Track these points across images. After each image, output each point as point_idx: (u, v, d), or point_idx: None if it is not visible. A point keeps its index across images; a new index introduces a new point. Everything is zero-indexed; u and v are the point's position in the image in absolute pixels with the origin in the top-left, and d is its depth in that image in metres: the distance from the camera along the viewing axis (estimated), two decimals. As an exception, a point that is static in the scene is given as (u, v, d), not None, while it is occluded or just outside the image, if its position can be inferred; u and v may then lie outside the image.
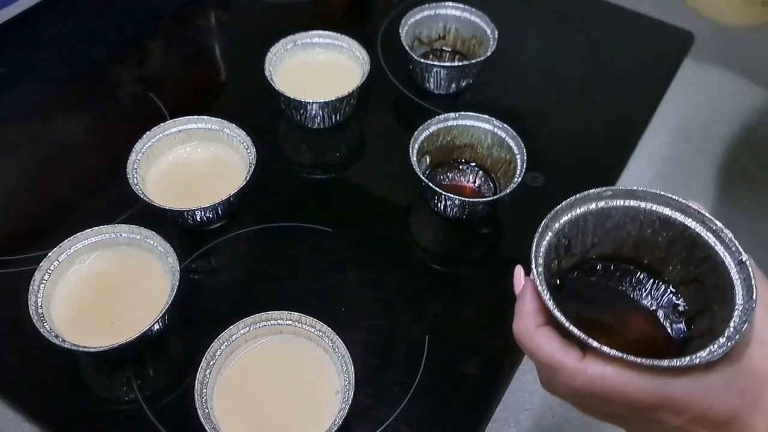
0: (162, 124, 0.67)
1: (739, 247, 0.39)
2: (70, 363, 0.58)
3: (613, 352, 0.35)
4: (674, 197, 0.41)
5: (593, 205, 0.43)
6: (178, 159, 0.68)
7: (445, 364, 0.59)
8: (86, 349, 0.52)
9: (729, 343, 0.35)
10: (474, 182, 0.70)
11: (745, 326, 0.35)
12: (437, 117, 0.68)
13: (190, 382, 0.52)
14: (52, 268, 0.57)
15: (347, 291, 0.63)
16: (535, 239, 0.41)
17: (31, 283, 0.55)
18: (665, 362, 0.34)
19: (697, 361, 0.35)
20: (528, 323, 0.39)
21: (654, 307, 0.43)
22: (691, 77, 0.83)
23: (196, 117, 0.68)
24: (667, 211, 0.42)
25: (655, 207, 0.42)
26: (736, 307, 0.37)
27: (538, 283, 0.38)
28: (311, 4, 0.93)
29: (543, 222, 0.41)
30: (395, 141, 0.71)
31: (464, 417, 0.56)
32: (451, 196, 0.63)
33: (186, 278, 0.58)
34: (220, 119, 0.68)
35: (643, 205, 0.42)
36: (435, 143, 0.69)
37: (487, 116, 0.68)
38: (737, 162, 0.77)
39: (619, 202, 0.43)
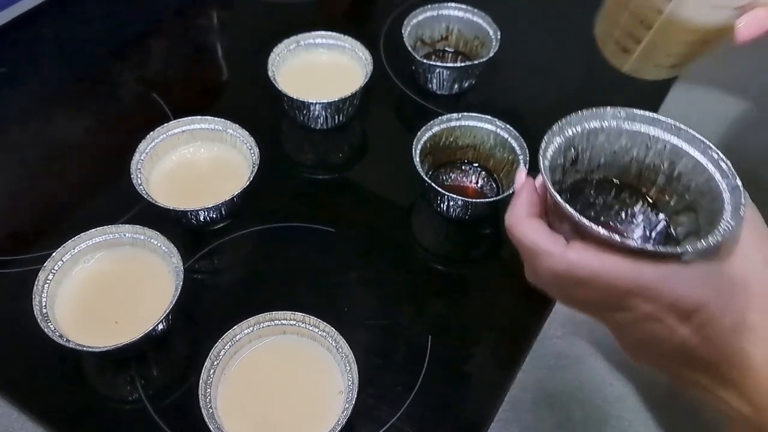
0: (166, 124, 0.67)
1: (735, 174, 0.41)
2: (74, 362, 0.58)
3: (603, 230, 0.36)
4: (684, 127, 0.43)
5: (606, 123, 0.44)
6: (182, 159, 0.68)
7: (448, 363, 0.59)
8: (90, 349, 0.52)
9: (709, 244, 0.36)
10: (476, 183, 0.70)
11: (730, 230, 0.37)
12: (440, 117, 0.68)
13: (194, 381, 0.52)
14: (56, 268, 0.57)
15: (350, 291, 0.64)
16: (546, 134, 0.42)
17: (36, 283, 0.55)
18: (649, 246, 0.36)
19: (679, 250, 0.36)
20: (520, 212, 0.40)
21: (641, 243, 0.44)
22: (691, 78, 0.84)
23: (199, 117, 0.68)
24: (674, 139, 0.43)
25: (664, 134, 0.44)
26: (723, 220, 0.39)
27: (542, 170, 0.40)
28: (314, 4, 0.93)
29: (556, 124, 0.43)
30: (398, 141, 0.71)
31: (467, 416, 0.56)
32: (454, 196, 0.63)
33: (189, 278, 0.58)
34: (223, 120, 0.68)
35: (653, 131, 0.44)
36: (438, 144, 0.69)
37: (489, 117, 0.68)
38: (735, 162, 0.77)
39: (631, 125, 0.44)
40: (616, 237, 0.36)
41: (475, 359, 0.60)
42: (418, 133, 0.67)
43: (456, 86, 0.79)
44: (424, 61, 0.76)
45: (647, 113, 0.44)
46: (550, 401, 0.58)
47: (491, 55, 0.76)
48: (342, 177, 0.74)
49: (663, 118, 0.43)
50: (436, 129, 0.68)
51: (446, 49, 0.83)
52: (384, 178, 0.73)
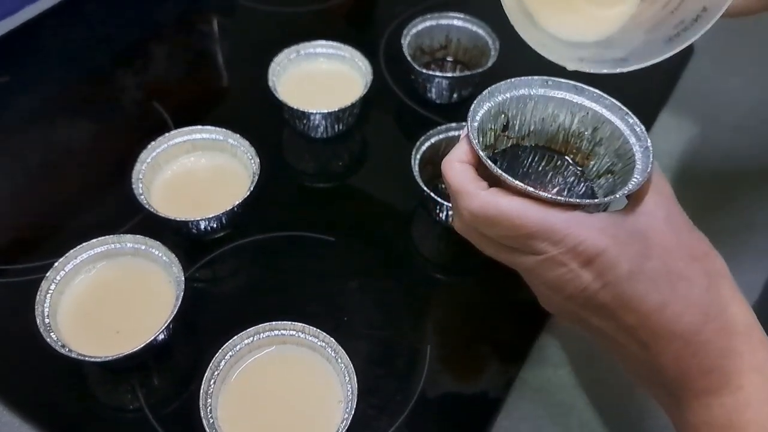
0: (167, 134, 0.68)
1: (647, 137, 0.45)
2: (76, 372, 0.58)
3: (517, 182, 0.40)
4: (605, 95, 0.47)
5: (534, 91, 0.49)
6: (183, 169, 0.69)
7: (447, 373, 0.60)
8: (92, 359, 0.53)
9: (611, 199, 0.42)
10: (475, 192, 0.70)
11: (633, 187, 0.41)
12: (439, 127, 0.69)
13: (194, 391, 0.52)
14: (58, 277, 0.57)
15: (350, 300, 0.64)
16: (477, 98, 0.47)
17: (38, 292, 0.56)
18: (560, 198, 0.40)
19: (586, 202, 0.41)
20: (453, 157, 0.44)
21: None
22: (691, 87, 0.84)
23: (200, 127, 0.69)
24: (596, 107, 0.47)
25: (587, 102, 0.48)
26: (632, 180, 0.43)
27: (468, 128, 0.45)
28: (314, 13, 0.94)
29: (487, 90, 0.47)
30: (397, 150, 0.72)
31: (465, 426, 0.57)
32: (453, 206, 0.63)
33: (190, 287, 0.59)
34: (224, 129, 0.69)
35: (577, 99, 0.48)
36: (437, 153, 0.69)
37: (488, 127, 0.68)
38: (734, 172, 0.77)
39: (559, 93, 0.48)
40: (530, 188, 0.40)
41: (474, 368, 0.60)
42: (417, 142, 0.68)
43: (455, 95, 0.79)
44: (423, 70, 0.76)
45: (572, 82, 0.48)
46: (548, 410, 0.58)
47: (490, 64, 0.76)
48: (342, 186, 0.74)
49: (586, 87, 0.47)
50: (435, 138, 0.69)
51: (446, 58, 0.84)
52: (383, 187, 0.74)
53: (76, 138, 0.77)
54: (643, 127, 0.45)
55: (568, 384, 0.60)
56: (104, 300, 0.59)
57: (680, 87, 0.84)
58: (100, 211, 0.69)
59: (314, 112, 0.71)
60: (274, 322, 0.55)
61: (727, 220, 0.71)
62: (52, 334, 0.54)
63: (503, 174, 0.41)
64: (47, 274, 0.57)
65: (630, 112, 0.46)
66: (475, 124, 0.46)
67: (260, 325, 0.55)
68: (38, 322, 0.54)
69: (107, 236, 0.60)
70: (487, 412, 0.57)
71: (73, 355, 0.53)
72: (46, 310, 0.56)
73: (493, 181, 0.43)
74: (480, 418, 0.57)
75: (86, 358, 0.53)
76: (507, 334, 0.63)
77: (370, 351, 0.60)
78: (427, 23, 0.81)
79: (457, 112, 0.80)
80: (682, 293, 0.40)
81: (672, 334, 0.40)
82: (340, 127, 0.75)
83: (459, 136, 0.68)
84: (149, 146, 0.67)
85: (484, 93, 0.47)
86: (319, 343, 0.55)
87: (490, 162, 0.42)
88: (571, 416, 0.58)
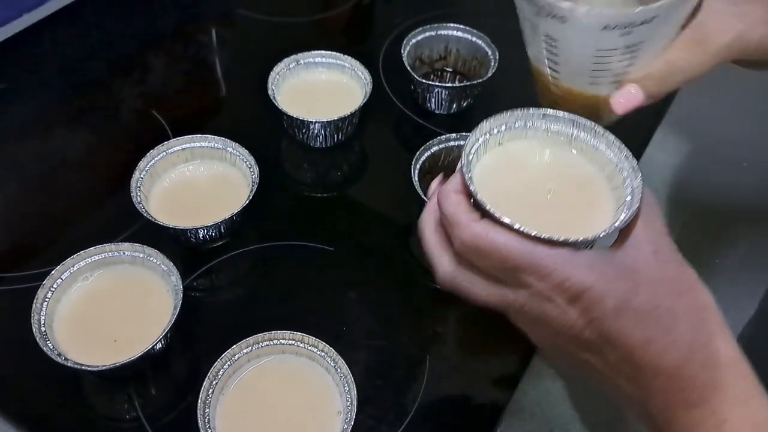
0: (166, 142, 0.68)
1: (639, 172, 0.44)
2: (73, 381, 0.58)
3: (506, 218, 0.41)
4: (602, 129, 0.47)
5: (531, 122, 0.48)
6: (182, 177, 0.69)
7: (446, 384, 0.59)
8: (89, 368, 0.52)
9: (594, 235, 0.41)
10: (475, 202, 0.70)
11: (619, 224, 0.42)
12: (438, 137, 0.69)
13: (192, 401, 0.52)
14: (55, 285, 0.57)
15: (349, 310, 0.64)
16: (474, 131, 0.47)
17: (35, 300, 0.55)
18: (541, 234, 0.40)
19: (571, 239, 0.40)
20: (448, 187, 0.45)
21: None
22: (687, 100, 0.84)
23: (199, 136, 0.69)
24: (593, 140, 0.47)
25: (582, 134, 0.47)
26: (621, 215, 0.43)
27: (463, 161, 0.44)
28: (314, 23, 0.94)
29: (484, 122, 0.47)
30: (397, 160, 0.72)
31: (465, 437, 0.57)
32: (453, 216, 0.63)
33: (188, 296, 0.58)
34: (223, 138, 0.69)
35: (573, 131, 0.48)
36: (436, 163, 0.69)
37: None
38: (732, 185, 0.78)
39: (555, 126, 0.48)
40: (516, 224, 0.40)
41: (473, 379, 0.60)
42: (417, 152, 0.68)
43: (454, 106, 0.79)
44: (422, 80, 0.77)
45: (568, 115, 0.47)
46: (547, 422, 0.58)
47: (489, 75, 0.76)
48: (341, 196, 0.74)
49: (583, 120, 0.47)
50: (434, 149, 0.69)
51: (445, 68, 0.84)
52: (383, 197, 0.73)
53: (75, 146, 0.77)
54: (635, 162, 0.45)
55: (566, 397, 0.59)
56: (101, 308, 0.58)
57: (676, 101, 0.84)
58: (99, 220, 0.69)
59: (313, 121, 0.71)
60: (272, 332, 0.55)
61: (725, 234, 0.71)
62: (48, 342, 0.54)
63: (492, 208, 0.42)
64: (44, 282, 0.56)
65: (624, 146, 0.46)
66: (470, 157, 0.46)
67: (259, 335, 0.55)
68: (34, 330, 0.54)
69: (105, 244, 0.59)
70: (486, 424, 0.57)
71: (70, 364, 0.52)
72: (43, 318, 0.55)
73: (486, 213, 0.43)
74: (479, 429, 0.57)
75: (83, 367, 0.52)
76: (506, 346, 0.62)
77: (369, 361, 0.60)
78: (427, 34, 0.81)
79: (457, 122, 0.80)
80: (667, 329, 0.41)
81: (657, 369, 0.41)
82: (340, 137, 0.75)
83: (458, 146, 0.69)
84: (148, 154, 0.66)
85: (480, 125, 0.47)
86: (318, 353, 0.54)
87: (480, 196, 0.42)
88: (569, 429, 0.57)
